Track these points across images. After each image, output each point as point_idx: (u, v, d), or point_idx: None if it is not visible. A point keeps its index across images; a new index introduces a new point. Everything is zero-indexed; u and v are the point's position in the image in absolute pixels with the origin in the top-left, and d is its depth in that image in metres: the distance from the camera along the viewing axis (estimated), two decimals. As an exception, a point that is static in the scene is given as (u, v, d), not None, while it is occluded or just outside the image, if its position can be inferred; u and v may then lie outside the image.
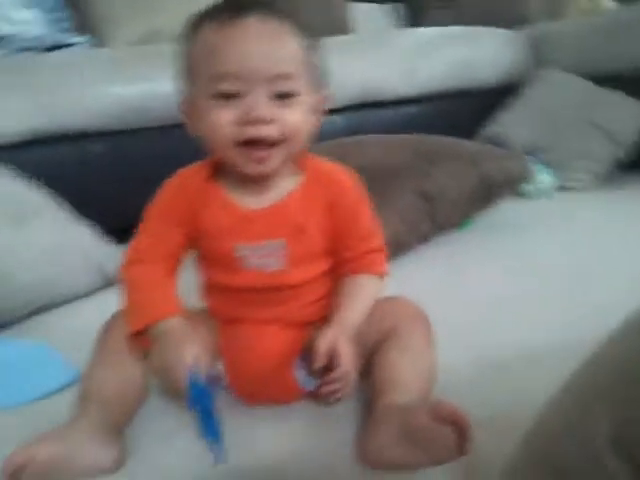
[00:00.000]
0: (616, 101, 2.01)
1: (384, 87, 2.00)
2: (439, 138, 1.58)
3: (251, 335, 0.78)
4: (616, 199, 1.80)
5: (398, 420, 0.65)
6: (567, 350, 0.85)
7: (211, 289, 0.82)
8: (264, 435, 0.74)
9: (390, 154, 1.47)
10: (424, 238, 1.39)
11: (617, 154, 1.98)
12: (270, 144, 0.70)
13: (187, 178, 0.78)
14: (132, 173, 1.65)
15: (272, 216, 0.76)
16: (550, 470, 0.46)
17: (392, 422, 0.65)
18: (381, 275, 0.81)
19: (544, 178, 1.87)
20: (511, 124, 2.10)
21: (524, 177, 1.55)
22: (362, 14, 2.62)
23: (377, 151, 1.49)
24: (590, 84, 2.08)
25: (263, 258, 0.76)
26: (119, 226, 1.57)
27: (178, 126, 1.66)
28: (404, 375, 0.72)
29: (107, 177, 1.64)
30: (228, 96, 0.68)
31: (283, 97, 0.69)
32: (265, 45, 0.67)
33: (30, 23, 1.91)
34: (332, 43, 2.01)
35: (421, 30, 2.25)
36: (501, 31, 2.29)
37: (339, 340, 0.70)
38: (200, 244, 0.78)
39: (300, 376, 0.77)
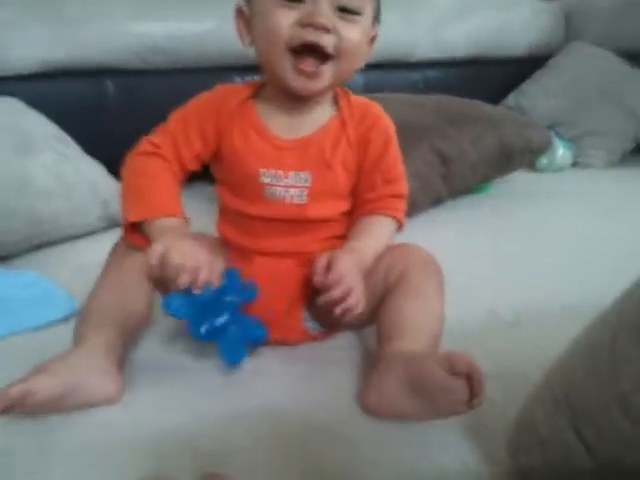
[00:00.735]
0: (644, 80, 1.97)
1: (409, 47, 1.96)
2: (462, 100, 1.56)
3: (265, 269, 0.77)
4: (632, 178, 1.77)
5: (406, 368, 0.61)
6: (578, 309, 0.86)
7: (228, 216, 0.81)
8: (266, 376, 0.72)
9: (410, 112, 1.45)
10: (438, 199, 1.38)
11: (638, 133, 1.95)
12: (323, 57, 0.69)
13: (225, 95, 0.77)
14: (147, 114, 1.62)
15: (302, 148, 0.75)
16: (571, 412, 0.45)
17: (399, 370, 0.62)
18: (399, 221, 0.80)
19: (562, 152, 1.85)
20: (535, 95, 2.06)
21: (544, 147, 1.53)
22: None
23: (397, 108, 1.46)
24: (619, 60, 2.03)
25: (287, 189, 0.75)
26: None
27: (198, 70, 1.68)
28: (413, 321, 0.69)
29: (121, 116, 1.62)
30: None
31: (347, 12, 0.68)
32: None
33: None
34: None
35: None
36: (532, 1, 2.23)
37: (339, 257, 0.68)
38: (224, 165, 0.78)
39: (307, 318, 0.77)
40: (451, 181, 1.38)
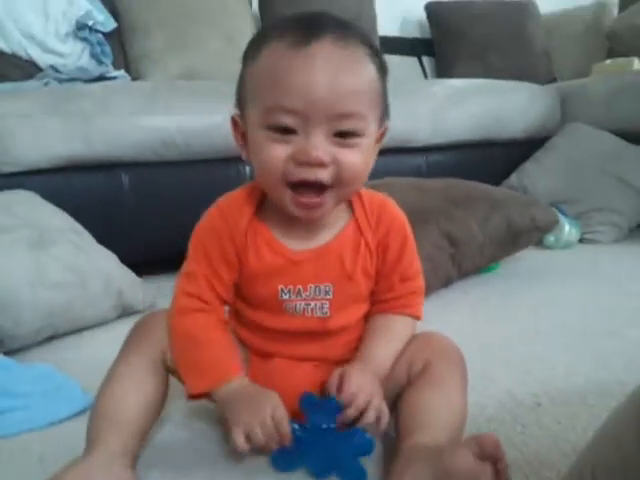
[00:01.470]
0: (642, 157, 2.03)
1: (412, 134, 2.03)
2: (465, 183, 1.59)
3: (283, 371, 0.75)
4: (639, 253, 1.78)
5: (430, 461, 0.58)
6: (599, 388, 0.85)
7: (247, 326, 0.78)
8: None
9: (417, 196, 1.48)
10: (448, 280, 1.39)
11: (641, 209, 1.98)
12: (322, 188, 0.64)
13: (233, 215, 0.72)
14: (161, 205, 1.68)
15: (320, 260, 0.72)
16: None
17: (422, 465, 0.58)
18: (416, 317, 0.77)
19: (568, 229, 1.87)
20: (536, 174, 2.11)
21: (550, 225, 1.55)
22: (393, 66, 2.67)
23: (402, 192, 1.50)
24: (616, 138, 2.10)
25: (308, 302, 0.73)
26: (141, 259, 1.62)
27: (209, 161, 1.73)
28: (435, 416, 0.66)
29: (136, 208, 1.66)
30: (285, 130, 0.62)
31: (344, 136, 0.63)
32: (334, 76, 0.60)
33: (76, 56, 1.99)
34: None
35: (450, 81, 2.30)
36: (530, 85, 2.33)
37: (351, 374, 0.66)
38: (242, 282, 0.74)
39: None
40: (460, 262, 1.39)
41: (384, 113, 0.69)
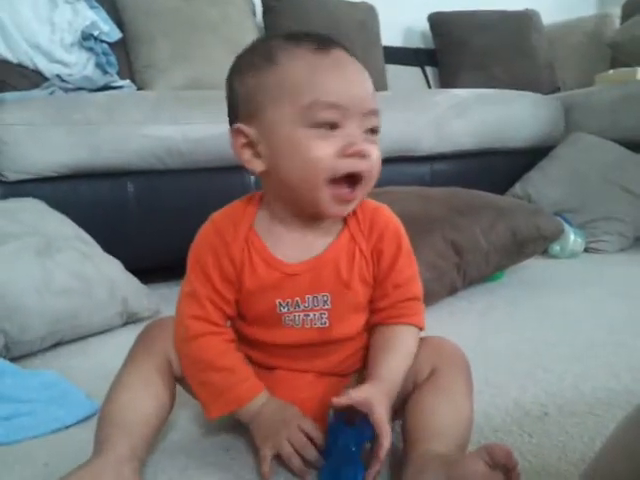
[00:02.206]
0: (646, 166, 2.03)
1: (416, 143, 2.04)
2: (469, 191, 1.60)
3: (286, 383, 0.75)
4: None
5: (442, 470, 0.58)
6: (607, 397, 0.85)
7: (247, 342, 0.78)
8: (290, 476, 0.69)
9: (421, 205, 1.48)
10: (453, 288, 1.38)
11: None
12: (357, 182, 0.66)
13: (226, 231, 0.72)
14: (165, 214, 1.69)
15: (316, 270, 0.71)
16: None
17: (435, 472, 0.58)
18: (417, 325, 0.75)
19: (573, 239, 1.87)
20: (541, 184, 2.11)
21: (555, 235, 1.55)
22: (397, 76, 2.70)
23: (406, 201, 1.51)
24: (620, 148, 2.10)
25: (307, 313, 0.72)
26: (145, 267, 1.62)
27: (213, 170, 1.74)
28: (442, 424, 0.65)
29: (141, 216, 1.67)
30: (329, 125, 0.64)
31: (371, 133, 0.66)
32: (361, 77, 0.66)
33: (81, 65, 2.00)
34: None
35: (454, 91, 2.31)
36: (533, 95, 2.34)
37: (375, 398, 0.64)
38: (240, 301, 0.74)
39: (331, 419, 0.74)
40: (465, 271, 1.39)
41: None
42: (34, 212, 1.38)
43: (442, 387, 0.69)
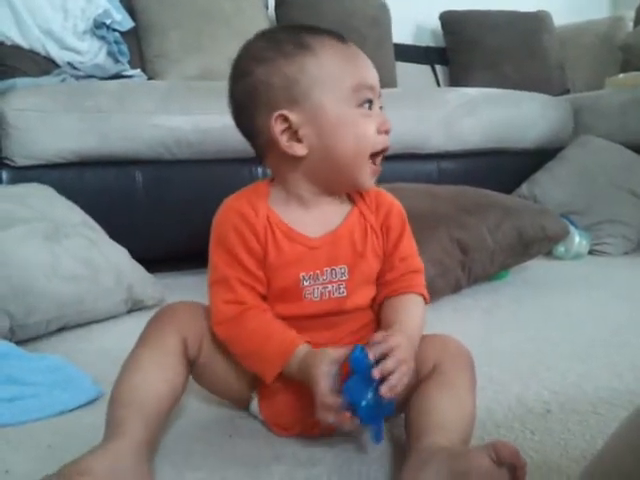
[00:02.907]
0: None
1: (425, 140, 2.04)
2: (476, 190, 1.60)
3: None
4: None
5: (446, 462, 0.58)
6: (609, 397, 0.85)
7: None
8: (291, 464, 0.69)
9: (428, 202, 1.49)
10: (457, 286, 1.39)
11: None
12: (381, 157, 0.75)
13: (248, 212, 0.74)
14: (173, 203, 1.69)
15: (335, 243, 0.75)
16: None
17: (439, 464, 0.58)
18: (423, 295, 0.79)
19: (578, 240, 1.87)
20: (547, 185, 2.11)
21: (560, 236, 1.55)
22: (406, 73, 2.69)
23: (413, 198, 1.51)
24: (628, 151, 2.10)
25: (325, 285, 0.75)
26: (151, 256, 1.62)
27: (222, 161, 1.74)
28: (445, 418, 0.66)
29: (148, 205, 1.67)
30: (369, 105, 0.72)
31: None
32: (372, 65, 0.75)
33: (93, 53, 2.00)
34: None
35: (464, 90, 2.31)
36: (543, 96, 2.33)
37: (393, 334, 0.67)
38: (268, 279, 0.75)
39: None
40: (470, 269, 1.39)
41: None
42: (42, 197, 1.39)
43: (445, 382, 0.69)
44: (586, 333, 1.15)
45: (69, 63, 1.94)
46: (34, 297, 1.14)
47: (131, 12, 2.15)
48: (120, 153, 1.63)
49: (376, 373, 0.62)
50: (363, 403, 0.62)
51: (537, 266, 1.72)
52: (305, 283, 0.74)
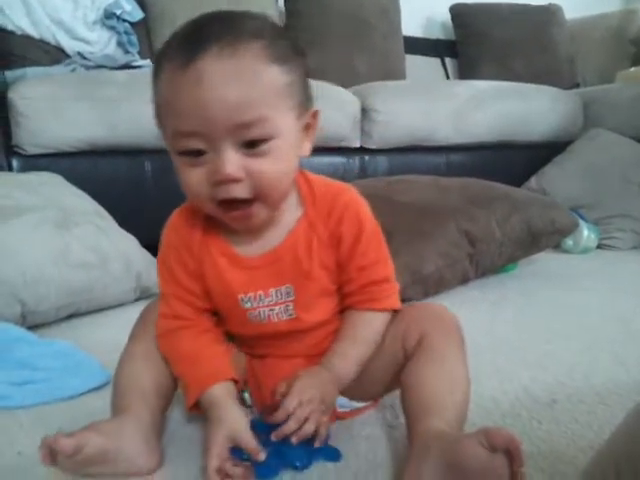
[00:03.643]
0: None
1: (433, 133, 2.04)
2: (485, 183, 1.59)
3: (276, 368, 0.75)
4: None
5: (444, 454, 0.56)
6: (615, 389, 0.85)
7: (230, 335, 0.78)
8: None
9: (436, 194, 1.48)
10: (465, 278, 1.39)
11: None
12: (245, 202, 0.63)
13: (183, 227, 0.72)
14: (181, 194, 1.69)
15: (276, 262, 0.70)
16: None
17: (436, 456, 0.57)
18: (386, 309, 0.74)
19: (587, 234, 1.86)
20: (556, 178, 2.10)
21: (569, 229, 1.55)
22: (416, 66, 2.68)
23: (425, 190, 1.51)
24: (638, 145, 2.09)
25: (271, 307, 0.72)
26: (158, 244, 1.62)
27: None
28: (439, 395, 0.64)
29: (156, 194, 1.68)
30: (194, 153, 0.61)
31: (254, 145, 0.60)
32: (222, 90, 0.58)
33: (103, 44, 2.01)
34: (389, 85, 2.09)
35: (473, 82, 2.30)
36: (553, 89, 2.32)
37: (297, 383, 0.66)
38: (209, 295, 0.73)
39: None
40: (478, 261, 1.39)
41: (304, 100, 0.65)
42: (53, 186, 1.40)
43: (434, 356, 0.68)
44: (593, 326, 1.15)
45: (79, 53, 1.94)
46: (45, 284, 1.15)
47: (141, 3, 2.15)
48: (129, 142, 1.64)
49: (274, 436, 0.63)
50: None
51: (545, 259, 1.72)
52: (246, 305, 0.71)
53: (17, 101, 1.53)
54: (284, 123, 0.62)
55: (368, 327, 0.73)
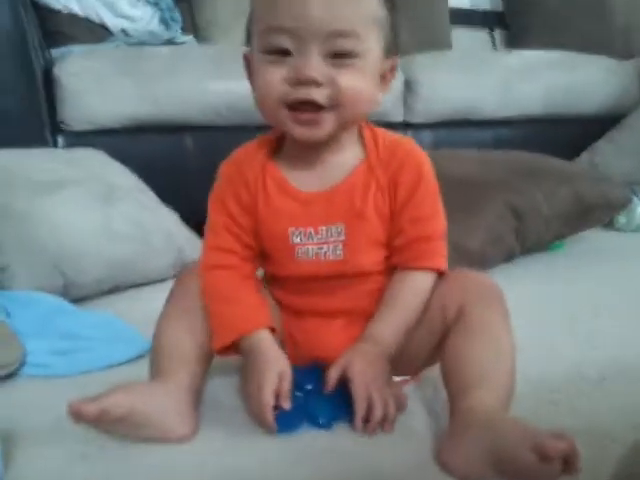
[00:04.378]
0: None
1: (479, 106, 1.97)
2: (532, 155, 1.54)
3: (315, 329, 0.75)
4: None
5: (488, 436, 0.54)
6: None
7: (271, 280, 0.78)
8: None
9: (483, 168, 1.44)
10: (510, 254, 1.34)
11: None
12: (319, 108, 0.64)
13: (243, 161, 0.73)
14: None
15: (330, 200, 0.70)
16: None
17: (479, 435, 0.55)
18: (434, 268, 0.72)
19: (640, 212, 1.78)
20: (609, 154, 2.01)
21: (622, 204, 1.48)
22: (463, 37, 2.61)
23: (469, 164, 1.47)
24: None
25: (320, 245, 0.71)
26: (201, 221, 1.63)
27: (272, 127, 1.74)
28: (483, 368, 0.62)
29: (198, 170, 1.68)
30: (281, 52, 0.62)
31: (341, 57, 0.62)
32: None
33: (145, 20, 2.01)
34: (433, 57, 2.03)
35: (522, 53, 2.21)
36: (606, 60, 2.22)
37: (352, 366, 0.65)
38: (258, 232, 0.73)
39: None
40: (524, 236, 1.34)
41: (391, 46, 0.68)
42: (97, 161, 1.41)
43: (476, 327, 0.66)
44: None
45: (123, 30, 1.95)
46: (87, 257, 1.16)
47: (183, -21, 2.15)
48: (171, 118, 1.64)
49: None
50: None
51: (595, 237, 1.64)
52: (295, 239, 0.71)
53: (62, 77, 1.55)
54: (372, 49, 0.64)
55: (414, 290, 0.72)
